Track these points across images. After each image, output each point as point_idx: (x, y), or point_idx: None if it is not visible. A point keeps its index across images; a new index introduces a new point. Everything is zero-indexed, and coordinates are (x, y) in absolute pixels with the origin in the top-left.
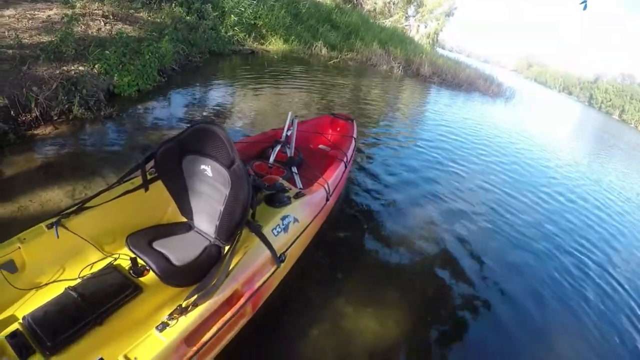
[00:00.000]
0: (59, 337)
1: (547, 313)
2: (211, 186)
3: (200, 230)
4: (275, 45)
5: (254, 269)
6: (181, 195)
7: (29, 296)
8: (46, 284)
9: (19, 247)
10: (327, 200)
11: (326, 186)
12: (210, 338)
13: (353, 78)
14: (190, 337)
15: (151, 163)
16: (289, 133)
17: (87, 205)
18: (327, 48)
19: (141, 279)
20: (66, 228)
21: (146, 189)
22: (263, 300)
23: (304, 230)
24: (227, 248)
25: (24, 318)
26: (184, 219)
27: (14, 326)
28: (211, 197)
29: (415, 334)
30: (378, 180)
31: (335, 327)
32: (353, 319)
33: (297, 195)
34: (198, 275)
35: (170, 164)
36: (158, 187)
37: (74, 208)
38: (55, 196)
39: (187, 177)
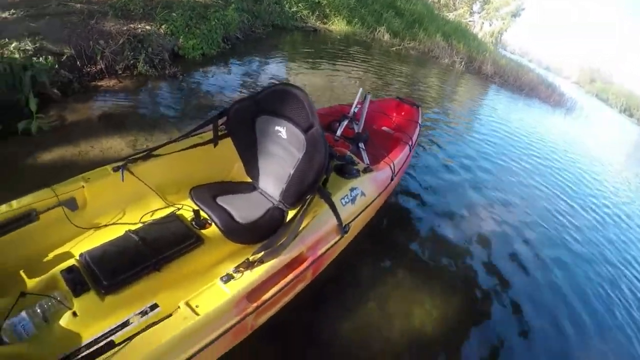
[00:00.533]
0: (116, 278)
1: (594, 332)
2: (283, 148)
3: (265, 192)
4: (337, 25)
5: (320, 235)
6: (249, 155)
7: (86, 235)
8: (105, 225)
9: (83, 186)
10: (392, 180)
11: (392, 165)
12: (270, 297)
13: (413, 66)
14: (252, 293)
15: (223, 119)
16: (356, 109)
17: (154, 153)
18: (389, 34)
19: (203, 231)
20: (132, 173)
21: (215, 145)
22: (322, 268)
23: (368, 205)
24: (290, 212)
25: (81, 255)
26: (248, 179)
27: (70, 262)
28: (282, 159)
29: (454, 331)
30: (431, 169)
31: (379, 309)
32: (396, 306)
33: (366, 170)
34: (259, 235)
35: (243, 122)
36: (226, 144)
37: (142, 154)
38: (117, 145)
39: (259, 137)
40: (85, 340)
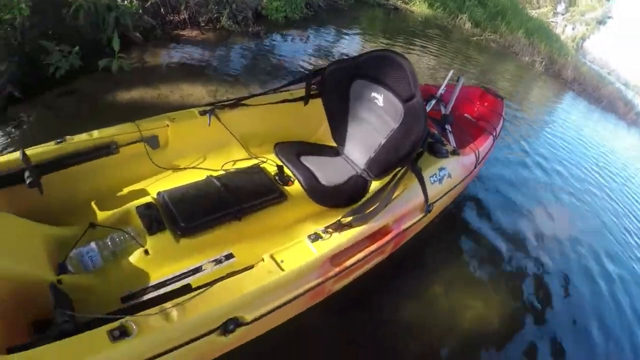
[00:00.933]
0: (194, 221)
1: None
2: (377, 116)
3: (349, 158)
4: (419, 7)
5: (406, 209)
6: (339, 118)
7: (165, 175)
8: (185, 168)
9: (167, 125)
10: (475, 167)
11: (477, 153)
12: (352, 264)
13: (491, 58)
14: (336, 257)
15: (316, 79)
16: (443, 91)
17: (243, 102)
18: (471, 23)
19: (286, 188)
20: (218, 119)
21: (306, 103)
22: (401, 244)
23: (452, 188)
24: (374, 182)
25: (159, 194)
26: (333, 143)
27: (147, 199)
28: (373, 127)
29: (511, 333)
30: (506, 163)
31: (443, 296)
32: (459, 296)
33: (454, 152)
34: (341, 200)
35: (338, 84)
36: (316, 104)
37: (230, 102)
38: (197, 92)
39: (352, 102)
40: (155, 280)
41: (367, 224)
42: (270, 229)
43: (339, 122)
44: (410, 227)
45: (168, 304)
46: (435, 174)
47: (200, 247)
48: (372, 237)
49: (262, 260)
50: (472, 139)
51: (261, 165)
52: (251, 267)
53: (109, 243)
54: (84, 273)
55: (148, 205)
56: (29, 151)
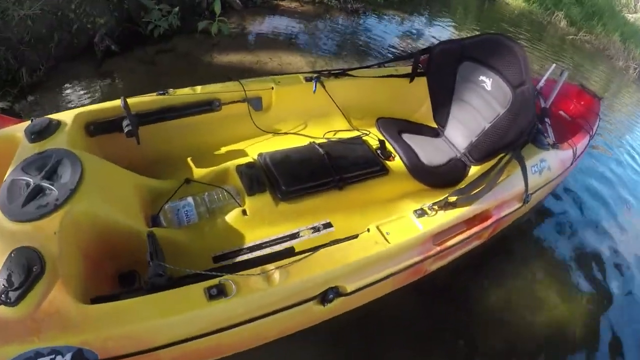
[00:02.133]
0: (295, 186)
1: None
2: (484, 101)
3: (449, 140)
4: (515, 0)
5: (507, 196)
6: (442, 100)
7: (266, 138)
8: (286, 133)
9: (272, 88)
10: (572, 163)
11: (574, 149)
12: (452, 245)
13: (584, 59)
14: (438, 236)
15: (424, 57)
16: (543, 84)
17: (349, 73)
18: (566, 21)
19: (387, 162)
20: (323, 87)
21: (411, 80)
22: (497, 231)
23: (549, 182)
24: (473, 168)
25: (260, 155)
26: (433, 124)
27: (248, 159)
28: (478, 111)
29: (598, 345)
30: (591, 170)
31: (527, 288)
32: (546, 294)
33: (554, 145)
34: (441, 181)
35: (445, 65)
36: (420, 83)
37: (336, 72)
38: (296, 62)
39: (458, 84)
40: (250, 242)
41: (472, 205)
42: (370, 201)
43: (442, 103)
44: (508, 214)
45: (270, 266)
46: (536, 164)
47: (299, 212)
48: (474, 220)
49: (367, 230)
50: (569, 135)
51: (364, 138)
52: (355, 236)
53: (207, 199)
54: (177, 228)
55: (249, 165)
56: (131, 100)
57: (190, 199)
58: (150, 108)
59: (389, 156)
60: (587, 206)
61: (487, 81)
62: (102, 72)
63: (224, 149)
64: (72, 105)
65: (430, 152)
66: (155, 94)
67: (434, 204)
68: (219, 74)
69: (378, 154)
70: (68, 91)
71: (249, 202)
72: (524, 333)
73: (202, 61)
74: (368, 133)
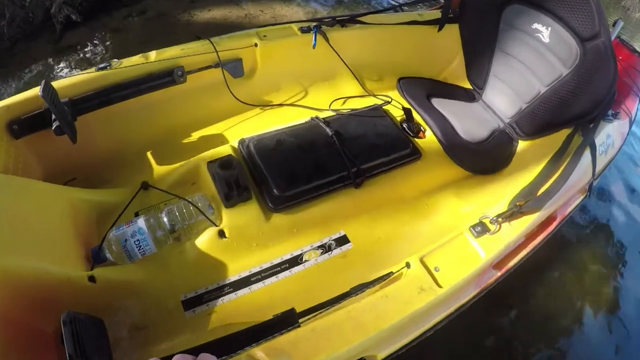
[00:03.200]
0: (292, 188)
1: None
2: (539, 56)
3: (489, 106)
4: None
5: (573, 190)
6: (479, 53)
7: (252, 114)
8: (280, 105)
9: (255, 45)
10: (627, 134)
11: (630, 117)
12: (513, 266)
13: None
14: (503, 259)
15: None
16: None
17: (359, 20)
18: None
19: (417, 140)
20: (325, 40)
21: (440, 28)
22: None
23: (610, 162)
24: (521, 144)
25: (242, 142)
26: (467, 85)
27: (224, 150)
28: (531, 69)
29: None
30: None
31: (576, 299)
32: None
33: (615, 115)
34: (486, 163)
35: (485, 7)
36: (450, 31)
37: (343, 18)
38: (293, 13)
39: (502, 32)
40: (235, 275)
41: (542, 210)
42: (401, 200)
43: (479, 58)
44: (570, 212)
45: (261, 351)
46: (603, 142)
47: (301, 225)
48: (541, 227)
49: (407, 266)
50: (620, 99)
51: (384, 107)
52: (388, 275)
53: (165, 219)
54: (129, 263)
55: (226, 161)
56: (58, 83)
57: (141, 222)
58: (89, 89)
59: (418, 131)
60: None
61: (544, 30)
62: (63, 48)
63: (194, 135)
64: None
65: (468, 122)
66: (94, 69)
67: (498, 216)
68: (200, 34)
69: (405, 129)
70: (25, 75)
71: (228, 218)
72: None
73: (179, 22)
74: (389, 100)
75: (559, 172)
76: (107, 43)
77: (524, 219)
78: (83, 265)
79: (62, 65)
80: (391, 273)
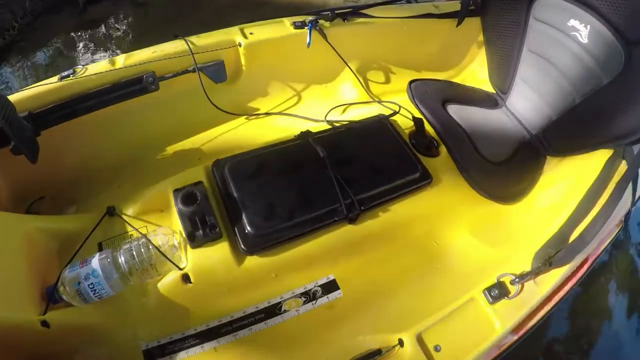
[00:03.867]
0: (270, 226)
1: None
2: (575, 58)
3: (514, 114)
4: None
5: (610, 226)
6: (505, 52)
7: (233, 125)
8: (267, 114)
9: (239, 44)
10: None
11: None
12: (534, 324)
13: None
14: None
15: None
16: None
17: (362, 12)
18: None
19: (428, 159)
20: (323, 37)
21: (459, 22)
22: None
23: None
24: (550, 161)
25: (216, 165)
26: (489, 88)
27: (196, 174)
28: (564, 73)
29: None
30: None
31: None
32: None
33: None
34: (509, 186)
35: (511, 0)
36: (471, 26)
37: (344, 10)
38: None
39: (532, 29)
40: (202, 324)
41: (573, 261)
42: (403, 238)
43: (503, 58)
44: (604, 249)
45: None
46: None
47: (281, 269)
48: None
49: (399, 343)
50: None
51: (390, 119)
52: (376, 353)
53: (122, 260)
54: (85, 306)
55: (188, 194)
56: (17, 95)
57: (95, 263)
58: (51, 101)
59: (430, 147)
60: None
61: (582, 29)
62: (85, 23)
63: (169, 150)
64: (44, 70)
65: (490, 134)
66: (56, 78)
67: (521, 276)
68: (238, 13)
69: (414, 145)
70: (43, 51)
71: (193, 260)
72: None
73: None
74: (397, 110)
75: (597, 208)
76: (130, 19)
77: (551, 273)
78: (37, 307)
79: (83, 40)
80: (379, 352)
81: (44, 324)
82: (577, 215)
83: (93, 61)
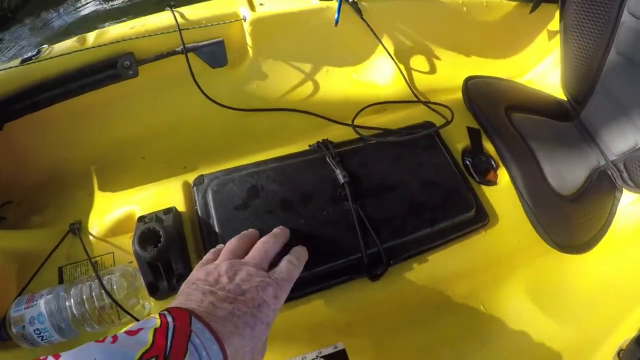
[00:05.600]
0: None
1: None
2: None
3: (588, 131)
4: None
5: None
6: (585, 51)
7: (235, 122)
8: (277, 110)
9: (243, 19)
10: None
11: None
12: None
13: None
14: None
15: None
16: None
17: None
18: None
19: (484, 187)
20: (358, 12)
21: (533, 9)
22: None
23: None
24: (626, 194)
25: (198, 184)
26: (559, 95)
27: (170, 196)
28: None
29: None
30: None
31: None
32: None
33: None
34: (580, 230)
35: None
36: (546, 14)
37: None
38: None
39: (624, 26)
40: None
41: None
42: (441, 298)
43: (583, 58)
44: None
45: None
46: None
47: (276, 333)
48: None
49: None
50: None
51: (438, 130)
52: None
53: (70, 304)
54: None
55: (148, 233)
56: None
57: (42, 306)
58: (11, 89)
59: (486, 170)
60: None
61: None
62: None
63: (148, 152)
64: (55, 29)
65: (560, 158)
66: (17, 61)
67: None
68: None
69: (468, 168)
70: (53, 9)
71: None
72: None
73: None
74: (449, 120)
75: None
76: None
77: None
78: None
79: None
80: None
81: None
82: None
83: (108, 16)
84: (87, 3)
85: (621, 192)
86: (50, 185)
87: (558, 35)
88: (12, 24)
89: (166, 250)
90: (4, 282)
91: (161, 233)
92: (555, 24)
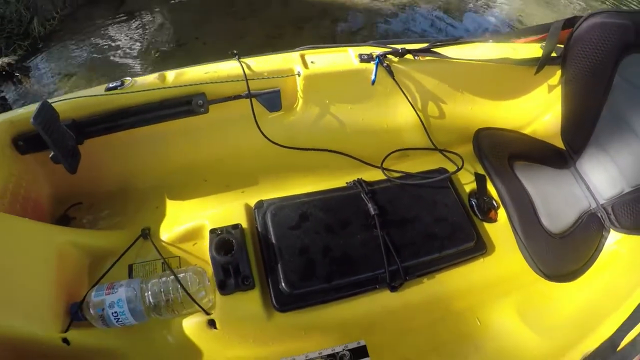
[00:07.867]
0: (304, 286)
1: None
2: None
3: (582, 178)
4: None
5: None
6: (583, 109)
7: (285, 158)
8: (320, 150)
9: (298, 74)
10: None
11: None
12: None
13: None
14: None
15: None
16: None
17: (434, 50)
18: None
19: (485, 224)
20: (389, 73)
21: (538, 69)
22: None
23: None
24: (613, 234)
25: (258, 207)
26: (559, 143)
27: (235, 212)
28: None
29: None
30: None
31: None
32: None
33: None
34: (566, 262)
35: (599, 51)
36: (550, 74)
37: (416, 49)
38: None
39: (617, 88)
40: None
41: None
42: (445, 311)
43: (581, 115)
44: None
45: None
46: None
47: (310, 328)
48: None
49: None
50: None
51: (455, 176)
52: None
53: (150, 293)
54: (107, 329)
55: (223, 243)
56: (62, 104)
57: (122, 292)
58: (96, 112)
59: (488, 209)
60: None
61: None
62: (122, 15)
63: (211, 177)
64: (82, 60)
65: (555, 200)
66: (103, 88)
67: None
68: (288, 14)
69: (473, 207)
70: (81, 41)
71: (222, 307)
72: None
73: None
74: (460, 167)
75: None
76: (168, 13)
77: None
78: (60, 323)
79: (120, 31)
80: None
81: (65, 341)
82: (636, 317)
83: (127, 54)
84: (115, 35)
85: (609, 232)
86: (120, 196)
87: (560, 91)
88: (41, 51)
89: (237, 256)
90: (77, 274)
91: (234, 243)
92: (557, 82)
